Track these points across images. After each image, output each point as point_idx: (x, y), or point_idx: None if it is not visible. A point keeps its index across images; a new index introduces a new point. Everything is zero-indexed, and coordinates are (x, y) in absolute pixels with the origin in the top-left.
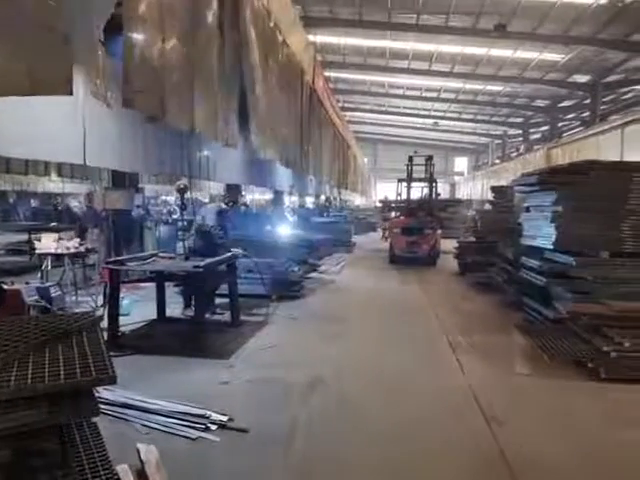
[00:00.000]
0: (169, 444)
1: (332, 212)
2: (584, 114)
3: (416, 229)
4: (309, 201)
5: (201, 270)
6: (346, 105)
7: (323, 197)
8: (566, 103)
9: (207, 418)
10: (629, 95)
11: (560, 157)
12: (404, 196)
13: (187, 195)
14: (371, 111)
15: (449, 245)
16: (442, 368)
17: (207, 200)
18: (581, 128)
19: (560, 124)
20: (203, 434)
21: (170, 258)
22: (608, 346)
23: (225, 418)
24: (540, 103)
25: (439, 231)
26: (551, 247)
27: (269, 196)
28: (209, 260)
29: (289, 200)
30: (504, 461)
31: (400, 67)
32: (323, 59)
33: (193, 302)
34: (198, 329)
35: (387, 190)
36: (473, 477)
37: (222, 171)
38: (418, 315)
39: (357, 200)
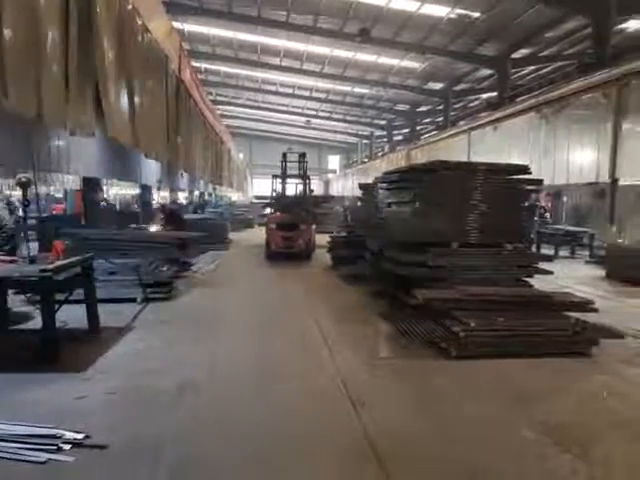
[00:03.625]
0: (10, 472)
1: (207, 208)
2: (438, 119)
3: (291, 225)
4: (182, 197)
5: (49, 274)
6: (219, 98)
7: (197, 193)
8: (423, 108)
9: (59, 438)
10: (475, 103)
11: (419, 157)
12: (279, 192)
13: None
14: (245, 106)
15: (324, 240)
16: (314, 358)
17: (62, 196)
18: (436, 131)
19: (419, 127)
20: (54, 456)
21: (11, 261)
22: (457, 327)
23: (80, 436)
24: (401, 107)
25: (314, 226)
26: (410, 239)
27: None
28: (59, 263)
29: (159, 196)
30: (368, 439)
31: (272, 63)
32: (192, 49)
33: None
34: (49, 340)
35: (263, 186)
36: (340, 458)
37: (78, 163)
38: (292, 309)
39: (234, 196)
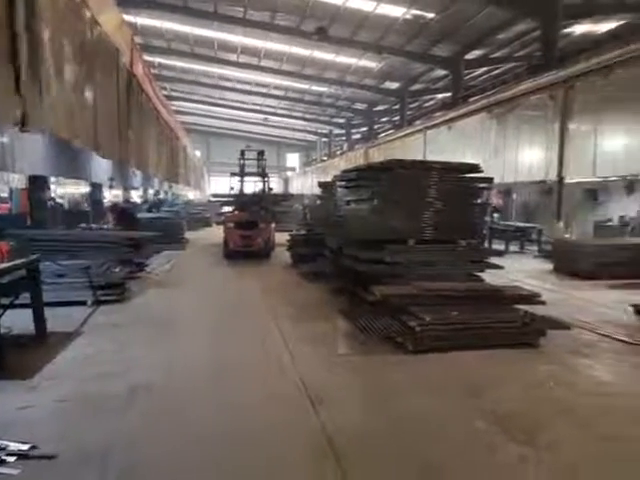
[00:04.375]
0: None
1: (162, 207)
2: (395, 118)
3: (250, 223)
4: (136, 195)
5: None
6: (174, 94)
7: (152, 191)
8: (381, 107)
9: (3, 450)
10: (430, 102)
11: (377, 155)
12: (237, 190)
13: None
14: (202, 102)
15: (284, 238)
16: (272, 357)
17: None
18: (393, 130)
19: (376, 126)
20: None
21: None
22: (413, 322)
23: (26, 447)
24: (359, 106)
25: (273, 225)
26: (368, 237)
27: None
28: (3, 265)
29: (111, 194)
30: (326, 437)
31: (229, 59)
32: (145, 43)
33: None
34: None
35: (221, 184)
36: (298, 457)
37: (23, 161)
38: (251, 308)
39: (190, 194)
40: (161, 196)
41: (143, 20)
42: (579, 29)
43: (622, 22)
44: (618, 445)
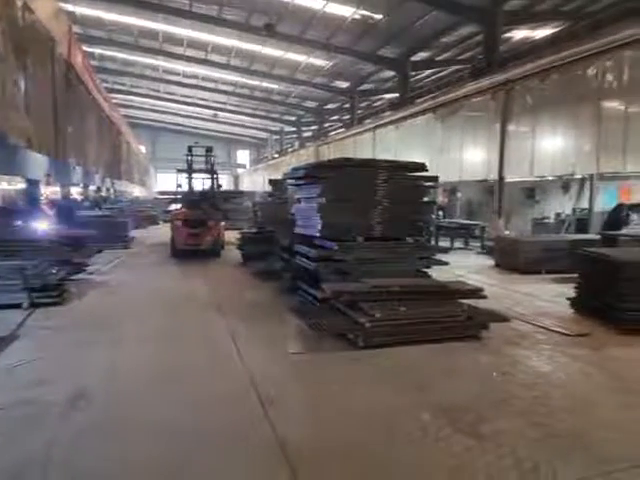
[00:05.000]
0: None
1: (105, 205)
2: (345, 116)
3: (198, 221)
4: (76, 192)
5: None
6: (117, 87)
7: (93, 188)
8: (331, 106)
9: None
10: (379, 102)
11: (327, 153)
12: (185, 187)
13: None
14: (147, 96)
15: (234, 236)
16: (221, 358)
17: None
18: (343, 129)
19: (327, 124)
20: None
21: None
22: (363, 318)
23: None
24: (310, 104)
25: (223, 223)
26: (318, 234)
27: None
28: None
29: (49, 191)
30: (277, 438)
31: (175, 52)
32: (85, 33)
33: None
34: None
35: (169, 181)
36: (249, 460)
37: None
38: (199, 308)
39: (136, 191)
40: (103, 193)
41: (82, 9)
42: (518, 34)
43: (557, 29)
44: (553, 431)
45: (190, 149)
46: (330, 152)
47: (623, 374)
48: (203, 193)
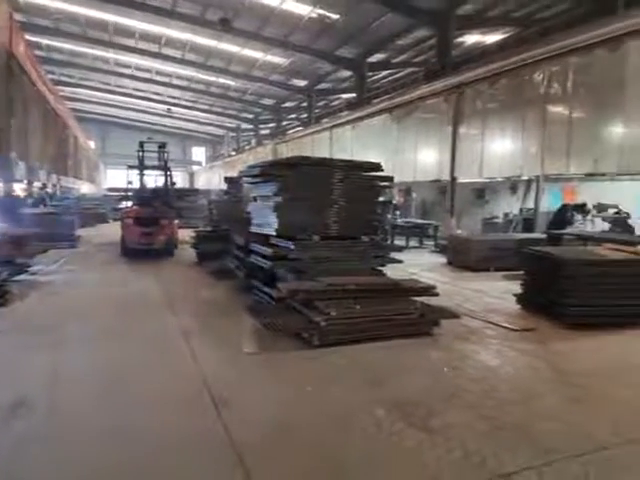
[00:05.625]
0: None
1: (51, 202)
2: (303, 115)
3: (151, 219)
4: (19, 189)
5: None
6: (64, 79)
7: (38, 184)
8: (289, 104)
9: None
10: (336, 102)
11: (285, 151)
12: (137, 184)
13: None
14: (96, 89)
15: (188, 235)
16: (174, 359)
17: None
18: (301, 127)
19: (285, 122)
20: None
21: None
22: (319, 317)
23: None
24: (267, 102)
25: (176, 221)
26: (274, 233)
27: None
28: None
29: None
30: (231, 440)
31: (126, 45)
32: (28, 21)
33: None
34: None
35: (119, 178)
36: (201, 462)
37: None
38: (151, 308)
39: (84, 188)
40: (49, 190)
41: None
42: (470, 39)
43: (507, 34)
44: (500, 424)
45: (142, 145)
46: (288, 150)
47: (566, 367)
48: (155, 190)
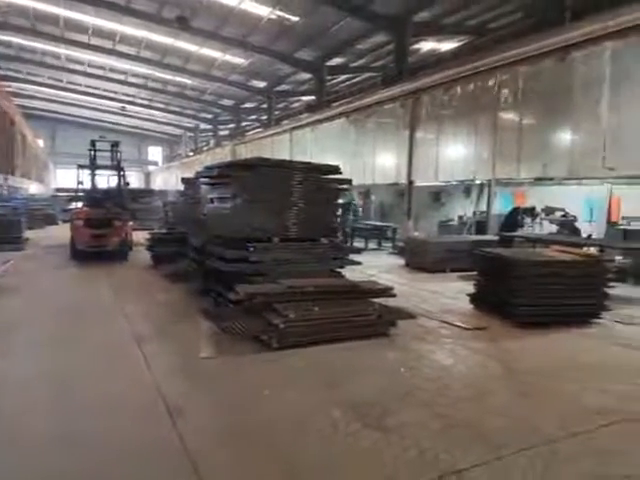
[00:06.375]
0: None
1: None
2: (263, 117)
3: (103, 221)
4: None
5: None
6: (11, 74)
7: None
8: (248, 105)
9: None
10: (296, 104)
11: (244, 152)
12: (88, 185)
13: None
14: (47, 85)
15: (143, 237)
16: (126, 366)
17: None
18: (261, 129)
19: (244, 123)
20: None
21: None
22: (277, 319)
23: None
24: (226, 102)
25: (131, 223)
26: (233, 235)
27: None
28: None
29: None
30: (184, 449)
31: (79, 40)
32: None
33: None
34: None
35: (70, 177)
36: (155, 471)
37: None
38: (103, 313)
39: (32, 188)
40: None
41: None
42: (426, 46)
43: (462, 42)
44: (452, 421)
45: (94, 143)
46: (247, 152)
47: (516, 365)
48: (108, 191)
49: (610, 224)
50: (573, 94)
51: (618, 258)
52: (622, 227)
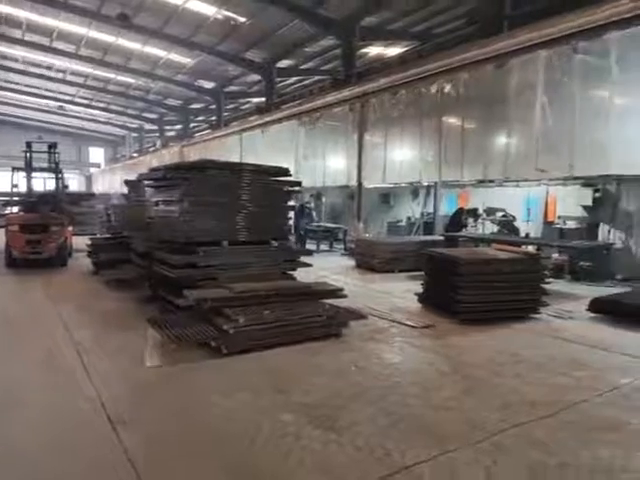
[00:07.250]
0: None
1: None
2: (212, 118)
3: (39, 226)
4: None
5: None
6: None
7: None
8: (196, 105)
9: None
10: (246, 105)
11: (193, 154)
12: (23, 188)
13: None
14: None
15: (84, 243)
16: (65, 377)
17: None
18: (210, 130)
19: (192, 124)
20: None
21: None
22: (227, 324)
23: None
24: (173, 102)
25: (70, 228)
26: (180, 240)
27: None
28: None
29: None
30: (129, 461)
31: (12, 36)
32: None
33: None
34: None
35: (3, 181)
36: None
37: None
38: (40, 323)
39: None
40: None
41: None
42: (374, 51)
43: (407, 48)
44: (401, 418)
45: (29, 145)
46: (196, 153)
47: (460, 360)
48: (45, 195)
49: (547, 223)
50: (509, 100)
51: (555, 255)
52: (558, 226)
